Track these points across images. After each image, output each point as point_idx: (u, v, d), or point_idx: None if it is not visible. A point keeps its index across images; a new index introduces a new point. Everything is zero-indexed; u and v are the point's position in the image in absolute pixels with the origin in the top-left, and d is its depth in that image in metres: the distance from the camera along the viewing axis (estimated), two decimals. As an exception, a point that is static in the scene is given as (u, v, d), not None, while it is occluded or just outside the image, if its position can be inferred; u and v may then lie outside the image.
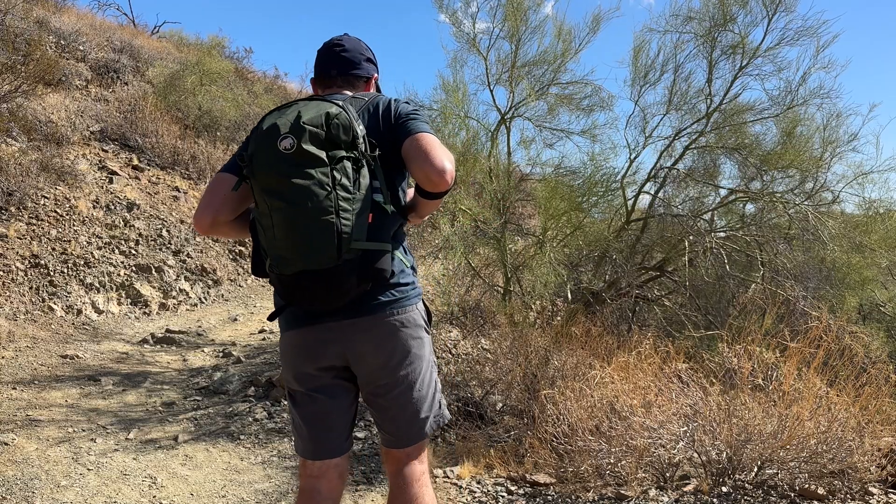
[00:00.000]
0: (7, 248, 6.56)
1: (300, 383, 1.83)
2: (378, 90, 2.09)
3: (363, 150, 1.67)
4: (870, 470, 2.98)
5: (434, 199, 1.76)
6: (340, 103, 1.68)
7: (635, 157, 7.12)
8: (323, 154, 1.60)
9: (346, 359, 1.79)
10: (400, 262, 1.81)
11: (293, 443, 1.93)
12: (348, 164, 1.63)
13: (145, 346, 6.22)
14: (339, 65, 1.98)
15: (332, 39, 2.03)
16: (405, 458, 1.86)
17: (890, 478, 3.02)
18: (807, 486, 2.94)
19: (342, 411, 1.85)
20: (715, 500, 2.97)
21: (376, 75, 2.06)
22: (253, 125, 12.34)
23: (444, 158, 1.67)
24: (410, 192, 1.89)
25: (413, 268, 1.89)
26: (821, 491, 2.90)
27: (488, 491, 3.42)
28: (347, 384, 1.85)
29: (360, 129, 1.69)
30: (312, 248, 1.59)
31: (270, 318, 1.82)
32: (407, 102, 1.88)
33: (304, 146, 1.59)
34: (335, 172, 1.60)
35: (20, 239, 6.77)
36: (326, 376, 1.82)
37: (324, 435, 1.84)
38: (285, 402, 4.77)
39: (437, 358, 6.01)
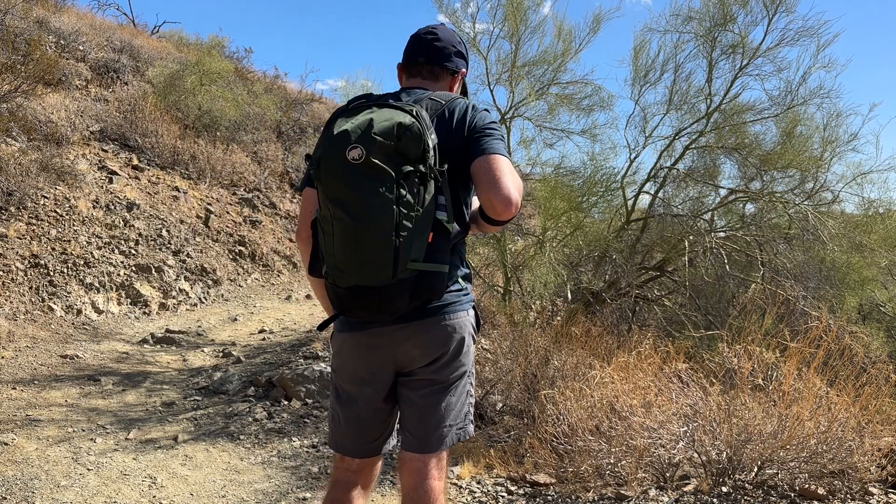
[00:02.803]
0: (7, 248, 6.56)
1: (350, 384, 1.84)
2: (464, 86, 2.05)
3: (432, 164, 1.61)
4: (870, 470, 2.98)
5: (495, 226, 1.74)
6: (415, 111, 1.62)
7: (635, 157, 7.14)
8: (390, 168, 1.56)
9: (396, 363, 1.80)
10: (455, 270, 1.80)
11: (328, 435, 1.92)
12: (414, 179, 1.59)
13: (145, 346, 6.22)
14: (427, 53, 1.92)
15: (427, 27, 1.97)
16: (424, 469, 1.80)
17: (890, 478, 3.02)
18: (807, 486, 2.94)
19: (388, 414, 1.86)
20: (715, 500, 2.97)
21: (464, 70, 1.99)
22: (253, 125, 12.40)
23: (512, 188, 1.62)
24: (475, 202, 1.85)
25: (466, 276, 1.85)
26: (821, 491, 2.90)
27: (488, 491, 3.42)
28: (394, 388, 1.86)
29: (432, 140, 1.63)
30: (368, 265, 1.58)
31: (320, 328, 1.82)
32: (486, 111, 1.81)
33: (373, 158, 1.54)
34: (401, 188, 1.56)
35: (20, 239, 6.77)
36: (376, 380, 1.82)
37: (367, 436, 1.86)
38: (285, 402, 4.77)
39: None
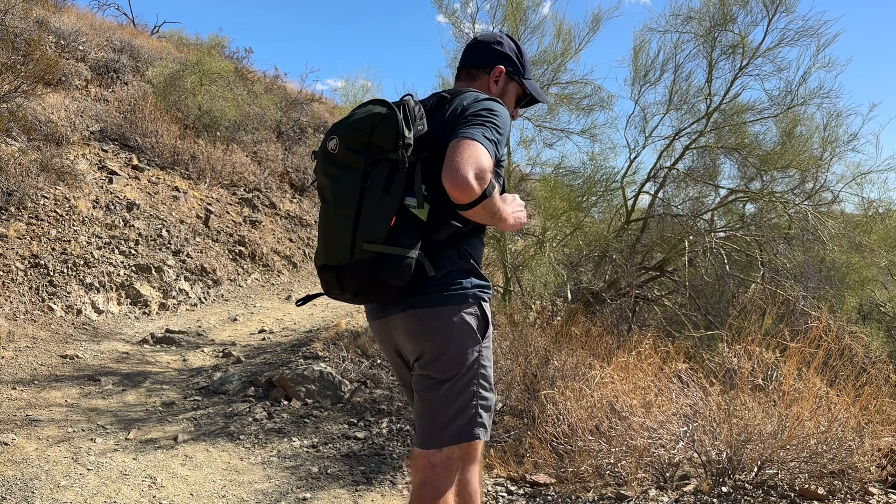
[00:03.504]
0: (7, 248, 6.56)
1: (393, 370, 2.02)
2: (517, 81, 2.04)
3: (403, 152, 1.65)
4: (870, 470, 2.98)
5: (464, 210, 1.68)
6: (394, 103, 1.70)
7: (635, 157, 7.12)
8: (361, 157, 1.67)
9: (400, 352, 1.88)
10: (448, 264, 1.77)
11: None
12: (385, 167, 1.65)
13: (145, 346, 6.22)
14: (464, 57, 2.04)
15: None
16: (428, 467, 1.80)
17: (890, 478, 3.02)
18: (807, 486, 2.94)
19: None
20: (715, 500, 2.97)
21: (502, 66, 2.00)
22: (253, 125, 12.44)
23: (468, 167, 1.57)
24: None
25: (469, 270, 1.82)
26: (821, 491, 2.90)
27: (488, 491, 3.42)
28: None
29: (414, 131, 1.69)
30: (332, 245, 1.70)
31: (298, 304, 1.94)
32: (492, 100, 1.79)
33: (345, 148, 1.68)
34: (370, 175, 1.65)
35: (20, 239, 6.77)
36: (396, 366, 1.94)
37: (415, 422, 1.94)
38: (285, 402, 4.77)
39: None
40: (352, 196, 1.66)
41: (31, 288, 6.41)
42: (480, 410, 1.83)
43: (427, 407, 1.81)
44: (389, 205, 1.65)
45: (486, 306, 1.86)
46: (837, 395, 3.10)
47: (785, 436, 2.98)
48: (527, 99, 2.10)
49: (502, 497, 3.35)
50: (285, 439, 4.20)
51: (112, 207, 8.04)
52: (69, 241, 7.13)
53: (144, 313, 7.19)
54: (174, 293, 7.70)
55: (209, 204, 9.71)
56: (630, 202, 7.15)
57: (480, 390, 1.83)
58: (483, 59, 2.00)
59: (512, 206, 1.82)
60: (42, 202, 7.34)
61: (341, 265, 1.68)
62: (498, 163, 1.76)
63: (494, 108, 1.76)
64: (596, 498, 3.18)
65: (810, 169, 6.68)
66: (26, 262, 6.59)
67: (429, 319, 1.76)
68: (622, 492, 3.14)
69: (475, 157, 1.59)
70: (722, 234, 7.06)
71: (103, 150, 9.28)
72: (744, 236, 6.86)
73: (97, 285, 6.94)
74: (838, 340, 3.51)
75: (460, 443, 1.82)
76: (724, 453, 3.10)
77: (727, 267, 6.42)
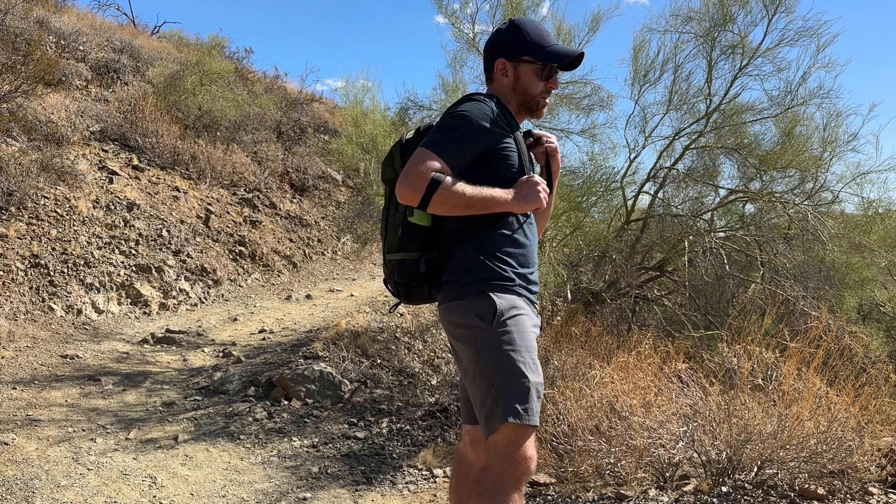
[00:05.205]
0: (7, 248, 6.56)
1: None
2: (528, 61, 1.98)
3: None
4: (870, 470, 2.98)
5: (428, 210, 1.83)
6: (405, 135, 2.01)
7: (635, 157, 7.12)
8: (390, 185, 1.98)
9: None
10: (462, 260, 1.91)
11: None
12: None
13: (145, 345, 6.22)
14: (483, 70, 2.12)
15: None
16: (485, 456, 1.87)
17: (890, 478, 3.02)
18: (807, 486, 2.95)
19: None
20: (715, 500, 2.97)
21: (501, 59, 2.00)
22: (253, 125, 12.44)
23: (402, 177, 1.79)
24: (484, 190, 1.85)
25: (478, 265, 1.88)
26: (821, 491, 2.90)
27: (488, 491, 3.42)
28: None
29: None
30: (383, 263, 2.05)
31: (389, 311, 2.33)
32: (455, 104, 1.92)
33: (382, 181, 2.06)
34: (392, 197, 1.93)
35: (20, 239, 6.77)
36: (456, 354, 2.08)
37: (464, 400, 2.09)
38: (285, 402, 4.78)
39: (437, 358, 6.01)
40: (382, 218, 2.01)
41: (31, 288, 6.42)
42: (506, 394, 1.77)
43: (471, 395, 1.90)
44: (398, 218, 1.94)
45: (496, 295, 1.86)
46: (837, 395, 3.10)
47: (785, 436, 2.98)
48: (551, 64, 1.99)
49: (502, 497, 3.35)
50: (285, 439, 4.20)
51: (112, 207, 8.04)
52: (69, 241, 7.13)
53: (145, 313, 7.19)
54: (174, 293, 7.70)
55: (209, 204, 9.72)
56: (630, 202, 7.15)
57: (497, 374, 1.79)
58: (487, 63, 2.06)
59: (523, 189, 1.91)
60: (42, 202, 7.34)
61: (386, 278, 2.05)
62: (491, 153, 1.89)
63: (453, 109, 1.90)
64: (596, 498, 3.18)
65: (810, 169, 6.67)
66: (26, 262, 6.60)
67: (444, 314, 1.95)
68: (622, 492, 3.14)
69: (409, 166, 1.80)
70: (722, 234, 7.06)
71: (103, 150, 9.28)
72: (744, 236, 6.86)
73: (97, 285, 6.94)
74: (838, 340, 3.51)
75: (494, 430, 1.78)
76: (724, 453, 3.10)
77: (727, 267, 6.42)
